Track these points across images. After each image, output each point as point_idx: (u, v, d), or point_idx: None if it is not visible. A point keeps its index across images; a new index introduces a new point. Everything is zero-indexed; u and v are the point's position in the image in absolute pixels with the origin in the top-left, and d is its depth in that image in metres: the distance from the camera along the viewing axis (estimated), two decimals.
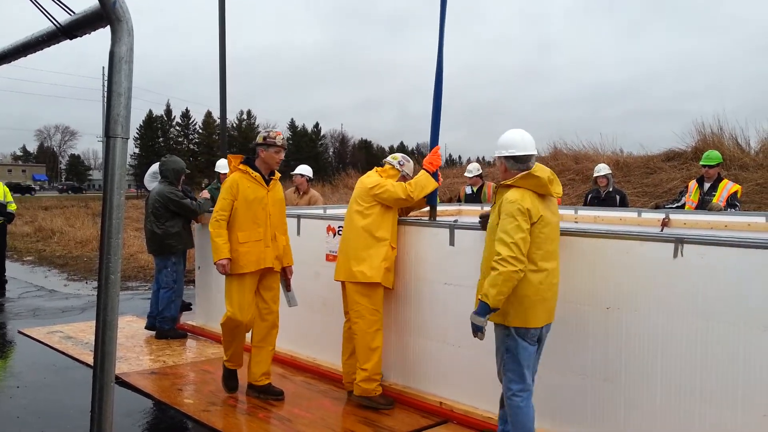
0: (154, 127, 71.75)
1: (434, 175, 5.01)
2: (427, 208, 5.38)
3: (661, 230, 6.17)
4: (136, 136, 70.53)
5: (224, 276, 5.13)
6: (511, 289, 3.54)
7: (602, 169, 9.11)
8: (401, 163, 5.20)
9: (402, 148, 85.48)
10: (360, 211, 4.95)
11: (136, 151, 70.11)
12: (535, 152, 3.87)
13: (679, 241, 3.67)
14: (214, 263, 5.06)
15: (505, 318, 3.66)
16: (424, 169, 5.04)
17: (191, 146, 73.78)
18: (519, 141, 3.83)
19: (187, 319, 7.93)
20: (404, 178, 5.15)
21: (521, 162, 3.79)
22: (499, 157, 3.89)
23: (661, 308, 3.73)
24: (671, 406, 3.68)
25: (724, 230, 5.86)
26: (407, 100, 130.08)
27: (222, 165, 9.00)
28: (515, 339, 3.65)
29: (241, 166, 5.15)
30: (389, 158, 5.31)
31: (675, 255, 3.67)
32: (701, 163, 7.81)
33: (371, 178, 5.08)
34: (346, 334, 5.11)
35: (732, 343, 3.46)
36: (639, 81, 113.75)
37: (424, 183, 4.95)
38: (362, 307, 4.88)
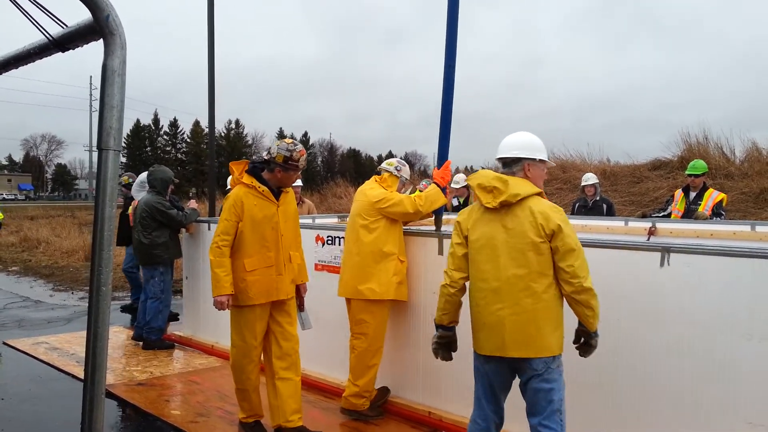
0: (142, 137, 71.60)
1: (443, 190, 4.91)
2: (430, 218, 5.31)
3: (648, 239, 6.22)
4: (124, 145, 70.24)
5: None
6: (447, 305, 3.47)
7: (590, 179, 9.18)
8: (398, 168, 5.07)
9: (390, 157, 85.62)
10: (365, 226, 4.78)
11: (124, 160, 69.83)
12: (508, 155, 3.43)
13: (666, 250, 3.70)
14: (214, 298, 4.39)
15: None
16: (435, 183, 4.91)
17: (179, 155, 73.59)
18: (501, 144, 3.53)
19: (174, 329, 7.89)
20: (403, 183, 5.08)
21: (504, 167, 3.48)
22: None
23: (648, 316, 3.76)
24: (657, 413, 3.70)
25: (709, 239, 5.91)
26: (397, 111, 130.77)
27: None
28: (474, 360, 3.50)
29: (246, 179, 4.40)
30: (385, 165, 5.14)
31: (662, 264, 3.70)
32: (687, 172, 7.88)
33: (375, 191, 4.88)
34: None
35: (718, 350, 3.49)
36: (624, 93, 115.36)
37: (434, 198, 4.82)
38: (367, 325, 4.76)
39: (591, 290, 3.20)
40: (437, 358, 3.60)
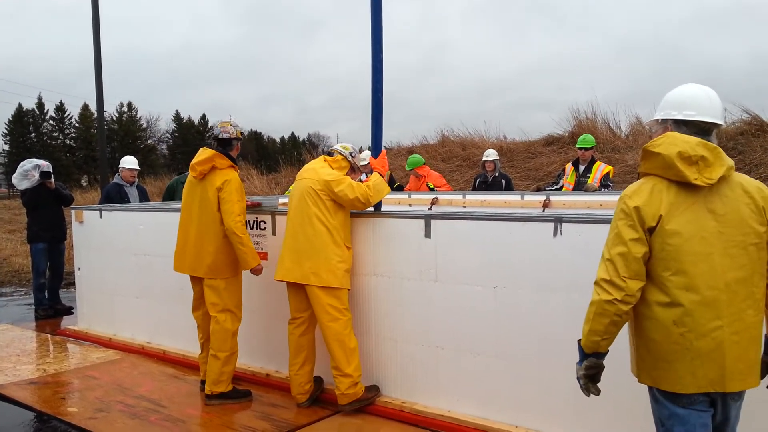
0: (25, 122, 66.89)
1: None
2: None
3: (543, 211, 6.47)
4: (5, 132, 65.69)
5: (216, 282, 4.88)
6: (613, 327, 2.61)
7: (491, 155, 9.42)
8: (353, 154, 4.85)
9: (293, 139, 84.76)
10: (319, 208, 4.53)
11: (6, 147, 65.33)
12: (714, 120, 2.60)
13: (558, 221, 3.87)
14: (254, 268, 4.91)
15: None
16: (377, 173, 4.80)
17: (67, 141, 69.54)
18: (710, 102, 2.63)
19: (69, 323, 7.52)
20: (354, 171, 4.86)
21: (703, 134, 2.58)
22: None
23: (544, 284, 3.92)
24: (559, 377, 3.88)
25: (599, 209, 6.21)
26: (306, 96, 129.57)
27: (129, 161, 8.70)
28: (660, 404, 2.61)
29: (233, 164, 5.01)
30: (338, 147, 4.89)
31: (555, 233, 3.86)
32: (578, 145, 8.25)
33: (327, 169, 4.67)
34: (298, 341, 4.71)
35: None
36: (523, 76, 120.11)
37: (381, 187, 4.71)
38: (334, 308, 4.50)
39: None
40: (589, 395, 2.67)
